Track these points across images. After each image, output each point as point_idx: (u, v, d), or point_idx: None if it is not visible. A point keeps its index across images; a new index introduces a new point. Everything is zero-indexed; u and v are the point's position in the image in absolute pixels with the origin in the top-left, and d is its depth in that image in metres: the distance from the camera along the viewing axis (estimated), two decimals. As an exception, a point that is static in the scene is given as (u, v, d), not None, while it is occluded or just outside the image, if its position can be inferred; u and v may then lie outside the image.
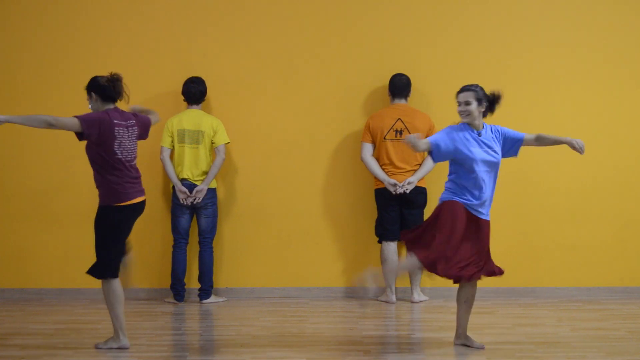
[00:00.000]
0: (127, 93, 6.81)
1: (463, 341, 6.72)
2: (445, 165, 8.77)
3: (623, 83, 8.88)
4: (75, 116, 6.60)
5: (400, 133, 8.55)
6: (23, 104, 8.82)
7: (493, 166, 6.69)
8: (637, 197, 8.88)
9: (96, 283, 8.82)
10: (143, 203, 6.94)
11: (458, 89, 8.96)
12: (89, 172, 8.78)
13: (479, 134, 6.69)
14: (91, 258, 8.83)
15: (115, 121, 6.64)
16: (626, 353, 6.53)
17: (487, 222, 6.76)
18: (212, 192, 8.56)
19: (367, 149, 8.61)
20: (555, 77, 8.87)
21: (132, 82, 8.73)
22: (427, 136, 8.60)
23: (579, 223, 8.88)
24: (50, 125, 6.51)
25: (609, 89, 8.88)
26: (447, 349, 6.71)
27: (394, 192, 8.49)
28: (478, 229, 6.66)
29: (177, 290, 8.54)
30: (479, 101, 6.73)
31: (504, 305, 8.46)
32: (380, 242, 8.64)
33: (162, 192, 8.82)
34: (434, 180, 8.75)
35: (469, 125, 6.70)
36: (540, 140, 6.92)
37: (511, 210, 8.88)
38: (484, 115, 6.80)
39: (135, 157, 6.83)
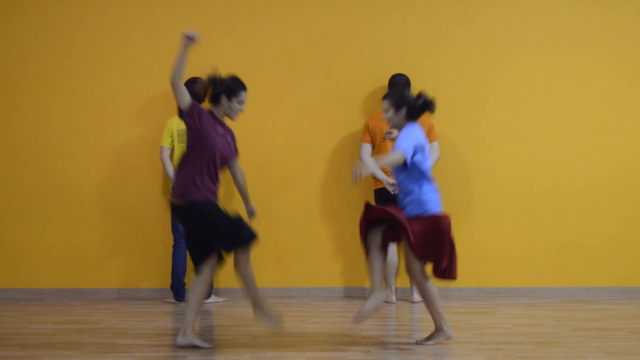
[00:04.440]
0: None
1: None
2: (444, 165, 8.80)
3: (623, 83, 8.88)
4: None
5: (400, 133, 8.55)
6: (22, 105, 8.82)
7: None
8: (637, 197, 8.89)
9: (96, 283, 8.87)
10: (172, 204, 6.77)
11: (457, 88, 9.00)
12: (89, 172, 8.84)
13: None
14: (90, 258, 8.87)
15: None
16: (626, 353, 6.52)
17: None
18: (212, 192, 8.56)
19: (366, 149, 8.61)
20: (555, 77, 8.87)
21: (132, 82, 8.82)
22: (426, 136, 8.60)
23: (579, 223, 8.88)
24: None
25: (608, 89, 8.88)
26: (447, 349, 6.70)
27: (392, 192, 8.49)
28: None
29: (177, 290, 8.54)
30: (396, 107, 6.80)
31: (504, 305, 8.46)
32: (380, 242, 8.64)
33: (162, 192, 8.83)
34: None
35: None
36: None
37: (511, 210, 8.88)
38: (409, 117, 6.80)
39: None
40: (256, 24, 8.85)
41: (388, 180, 8.51)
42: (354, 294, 8.89)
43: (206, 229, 6.58)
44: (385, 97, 6.86)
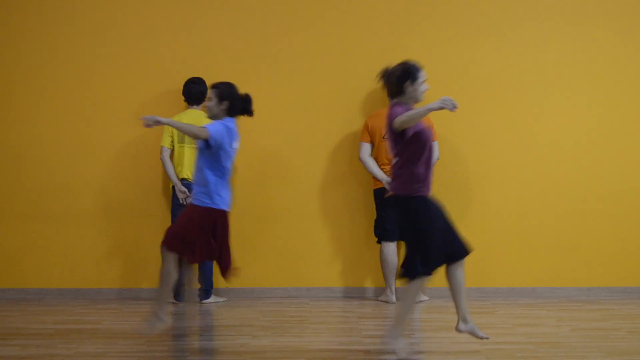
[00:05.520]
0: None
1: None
2: (444, 166, 8.80)
3: (623, 83, 8.87)
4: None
5: (400, 133, 8.55)
6: (22, 105, 8.82)
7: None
8: (637, 197, 8.88)
9: (96, 283, 8.87)
10: (388, 199, 6.54)
11: (457, 88, 8.99)
12: (89, 172, 8.83)
13: None
14: (90, 258, 8.86)
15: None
16: (626, 353, 6.53)
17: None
18: (212, 192, 8.56)
19: (366, 148, 8.62)
20: (555, 77, 8.87)
21: (132, 82, 8.82)
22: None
23: (579, 223, 8.87)
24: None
25: (609, 90, 8.87)
26: (447, 349, 6.71)
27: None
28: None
29: (177, 290, 8.53)
30: (220, 99, 6.92)
31: (504, 305, 8.46)
32: (379, 242, 8.64)
33: (162, 192, 8.82)
34: (433, 180, 8.74)
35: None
36: None
37: (511, 210, 8.88)
38: (229, 113, 6.93)
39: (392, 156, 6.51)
40: (256, 24, 8.85)
41: (387, 180, 8.52)
42: (353, 294, 8.89)
43: (424, 228, 6.33)
44: (212, 86, 6.97)
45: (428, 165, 6.42)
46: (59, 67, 8.82)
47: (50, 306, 8.43)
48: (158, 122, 6.73)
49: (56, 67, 8.82)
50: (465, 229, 8.79)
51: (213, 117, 6.95)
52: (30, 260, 8.83)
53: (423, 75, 6.51)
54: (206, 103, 6.98)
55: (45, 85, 8.82)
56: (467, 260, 8.82)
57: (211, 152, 6.81)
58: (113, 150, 8.82)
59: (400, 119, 6.23)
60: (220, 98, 6.91)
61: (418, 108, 6.26)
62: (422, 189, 6.39)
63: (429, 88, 6.59)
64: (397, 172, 6.42)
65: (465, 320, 6.47)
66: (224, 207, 6.93)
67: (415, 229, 6.34)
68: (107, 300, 8.72)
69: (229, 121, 6.91)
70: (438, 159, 8.64)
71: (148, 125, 6.80)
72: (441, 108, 6.18)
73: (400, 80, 6.42)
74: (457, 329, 6.50)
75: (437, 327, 7.57)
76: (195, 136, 6.73)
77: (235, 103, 6.93)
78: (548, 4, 8.88)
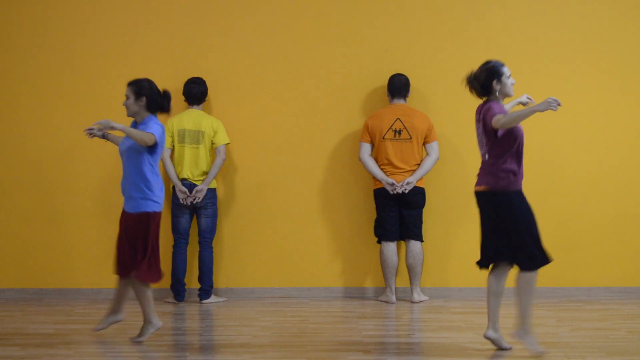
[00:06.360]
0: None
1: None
2: (443, 166, 8.80)
3: (622, 83, 8.87)
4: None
5: (399, 133, 8.56)
6: (23, 105, 8.82)
7: (124, 154, 6.83)
8: (636, 197, 8.88)
9: (96, 283, 8.87)
10: (478, 193, 6.64)
11: (457, 88, 8.96)
12: (89, 172, 8.83)
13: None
14: (90, 258, 8.86)
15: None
16: (626, 353, 6.53)
17: (131, 215, 6.83)
18: (212, 192, 8.56)
19: (366, 148, 8.62)
20: (554, 78, 8.86)
21: (132, 82, 8.80)
22: (425, 136, 8.62)
23: (579, 223, 8.87)
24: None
25: (608, 90, 8.87)
26: (447, 349, 6.71)
27: (391, 192, 8.49)
28: (125, 221, 6.93)
29: (177, 290, 8.54)
30: (136, 95, 6.82)
31: (504, 305, 8.40)
32: (379, 242, 8.64)
33: (162, 192, 8.82)
34: (433, 180, 8.75)
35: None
36: None
37: (511, 210, 8.87)
38: (149, 109, 6.83)
39: (484, 150, 6.60)
40: (256, 24, 8.85)
41: (387, 180, 8.52)
42: (353, 294, 8.89)
43: (521, 221, 6.50)
44: (129, 83, 6.87)
45: (520, 159, 6.61)
46: (59, 67, 8.82)
47: (50, 306, 8.43)
48: (112, 128, 6.60)
49: (56, 67, 8.81)
50: (465, 229, 8.82)
51: (132, 114, 6.83)
52: (30, 260, 8.83)
53: (507, 70, 6.60)
54: (124, 102, 6.83)
55: (45, 85, 8.82)
56: (468, 260, 8.85)
57: (153, 153, 6.75)
58: (113, 149, 8.80)
59: (503, 120, 6.35)
60: (138, 94, 6.79)
61: (522, 110, 6.34)
62: (517, 183, 6.59)
63: (514, 82, 6.64)
64: (490, 168, 6.56)
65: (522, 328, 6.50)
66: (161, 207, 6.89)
67: (517, 223, 6.48)
68: (107, 300, 8.69)
69: (153, 121, 6.79)
70: (438, 159, 8.64)
71: (97, 133, 6.74)
72: (547, 109, 6.31)
73: (487, 80, 6.55)
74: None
75: (437, 327, 7.57)
76: (144, 143, 6.63)
77: (154, 99, 6.82)
78: (554, 3, 8.87)
